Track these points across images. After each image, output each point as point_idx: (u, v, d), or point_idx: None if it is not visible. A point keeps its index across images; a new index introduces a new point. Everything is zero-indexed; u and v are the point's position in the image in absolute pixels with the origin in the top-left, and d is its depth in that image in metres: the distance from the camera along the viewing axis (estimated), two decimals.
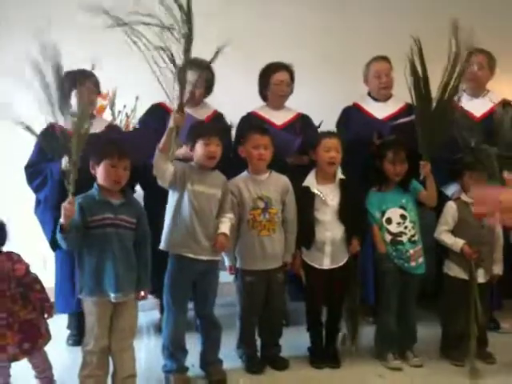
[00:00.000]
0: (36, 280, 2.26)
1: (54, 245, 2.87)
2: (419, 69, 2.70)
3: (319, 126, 3.19)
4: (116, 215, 2.27)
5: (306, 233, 2.69)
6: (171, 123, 2.43)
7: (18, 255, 2.24)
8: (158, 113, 3.06)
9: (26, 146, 2.92)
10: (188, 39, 2.40)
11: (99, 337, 2.26)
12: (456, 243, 2.70)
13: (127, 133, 3.25)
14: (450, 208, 2.77)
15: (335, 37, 4.07)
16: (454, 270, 2.74)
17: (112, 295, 2.24)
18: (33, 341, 2.22)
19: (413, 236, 2.71)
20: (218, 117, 3.19)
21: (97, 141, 2.39)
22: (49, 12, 3.35)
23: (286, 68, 3.27)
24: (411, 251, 2.69)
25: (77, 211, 2.19)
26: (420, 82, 2.70)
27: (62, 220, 2.13)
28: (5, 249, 2.24)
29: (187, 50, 2.42)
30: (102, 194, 2.29)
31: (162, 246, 2.50)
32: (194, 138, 2.51)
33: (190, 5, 2.39)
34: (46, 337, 2.29)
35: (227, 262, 2.71)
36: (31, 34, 2.32)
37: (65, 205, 2.12)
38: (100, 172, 2.29)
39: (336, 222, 2.69)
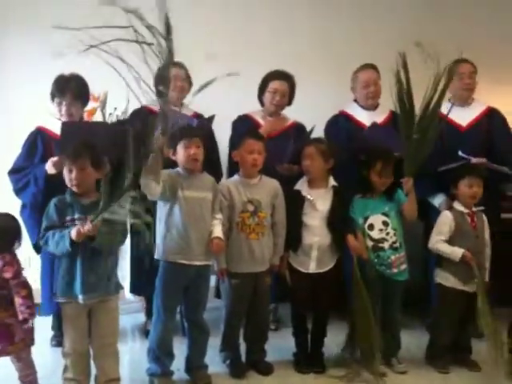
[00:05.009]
0: (23, 285, 2.17)
1: (38, 248, 2.85)
2: (404, 83, 2.62)
3: (311, 132, 3.10)
4: (86, 215, 2.19)
5: (293, 236, 2.70)
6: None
7: (12, 258, 2.20)
8: (141, 115, 2.97)
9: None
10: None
11: (74, 340, 2.26)
12: (455, 252, 2.66)
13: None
14: (446, 218, 2.74)
15: (331, 42, 4.06)
16: (449, 281, 2.71)
17: (80, 297, 2.21)
18: (3, 345, 2.17)
19: (394, 243, 2.69)
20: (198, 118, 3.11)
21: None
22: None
23: (284, 78, 3.17)
24: (392, 257, 2.68)
25: (54, 212, 2.22)
26: (404, 97, 2.63)
27: (73, 235, 2.12)
28: None
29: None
30: (74, 195, 2.26)
31: (156, 255, 2.50)
32: (174, 141, 2.49)
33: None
34: (19, 345, 2.21)
35: (217, 266, 2.66)
36: None
37: (88, 227, 2.10)
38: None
39: (324, 228, 2.69)
